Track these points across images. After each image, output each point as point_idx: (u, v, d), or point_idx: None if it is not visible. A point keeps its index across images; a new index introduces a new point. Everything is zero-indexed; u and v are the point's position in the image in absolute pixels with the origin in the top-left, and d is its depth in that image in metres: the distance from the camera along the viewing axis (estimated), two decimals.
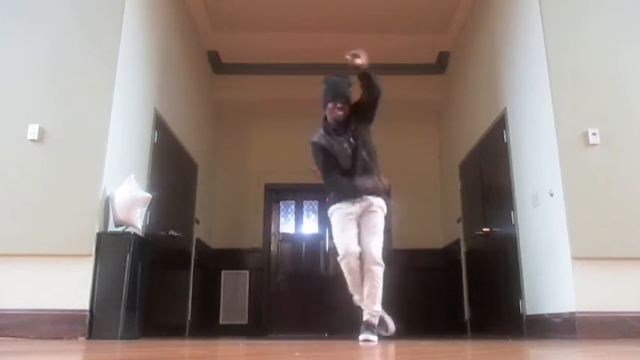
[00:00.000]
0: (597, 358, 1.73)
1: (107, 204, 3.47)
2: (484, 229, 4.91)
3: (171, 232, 4.71)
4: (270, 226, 6.74)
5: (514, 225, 4.29)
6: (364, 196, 3.36)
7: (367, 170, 3.39)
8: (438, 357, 1.85)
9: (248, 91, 6.59)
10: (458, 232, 5.88)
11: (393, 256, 6.55)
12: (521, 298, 4.11)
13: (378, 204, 3.39)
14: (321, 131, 3.47)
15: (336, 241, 3.37)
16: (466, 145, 5.59)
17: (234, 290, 6.31)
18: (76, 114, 3.55)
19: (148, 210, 3.86)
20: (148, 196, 3.60)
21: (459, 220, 5.87)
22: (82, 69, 3.63)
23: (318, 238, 6.63)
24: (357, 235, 3.35)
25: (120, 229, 3.44)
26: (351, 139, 3.39)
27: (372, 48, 6.17)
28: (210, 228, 6.31)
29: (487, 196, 5.08)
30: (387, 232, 3.47)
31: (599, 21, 3.82)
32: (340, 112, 3.38)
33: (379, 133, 7.50)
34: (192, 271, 5.55)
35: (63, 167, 3.45)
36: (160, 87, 4.54)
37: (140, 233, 3.72)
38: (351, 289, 3.30)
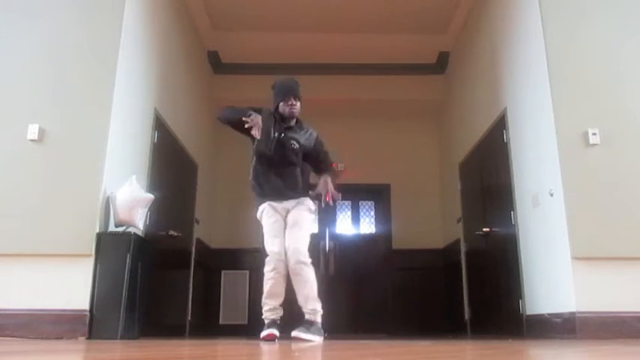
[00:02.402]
0: (597, 358, 1.73)
1: (107, 204, 3.47)
2: (484, 229, 4.91)
3: (171, 232, 4.71)
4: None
5: (514, 225, 4.29)
6: (288, 199, 3.35)
7: (291, 172, 3.36)
8: (438, 357, 1.85)
9: (248, 91, 6.57)
10: (458, 232, 5.88)
11: (393, 256, 6.58)
12: (521, 298, 4.11)
13: (306, 204, 3.39)
14: (270, 111, 3.45)
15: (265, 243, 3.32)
16: (466, 145, 5.60)
17: (234, 290, 6.31)
18: (76, 114, 3.55)
19: (148, 210, 3.86)
20: (151, 197, 3.60)
21: (459, 220, 5.87)
22: (82, 69, 3.63)
23: (318, 238, 6.62)
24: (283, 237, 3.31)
25: (120, 229, 3.44)
26: (284, 135, 3.38)
27: (372, 48, 6.26)
28: (210, 228, 6.31)
29: (487, 196, 5.08)
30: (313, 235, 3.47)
31: (599, 21, 3.82)
32: (294, 110, 3.42)
33: (380, 133, 7.52)
34: (192, 271, 5.55)
35: (63, 167, 3.45)
36: (160, 87, 4.54)
37: (140, 233, 3.72)
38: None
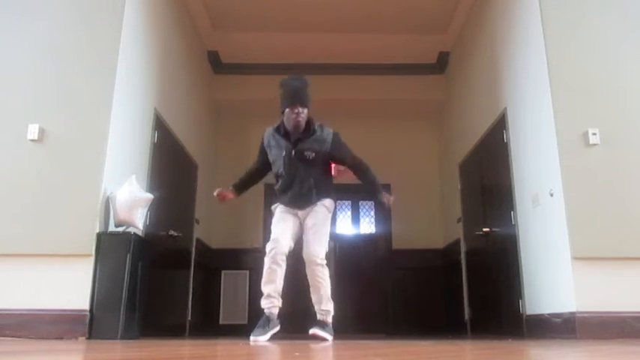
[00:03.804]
0: (597, 358, 1.73)
1: (107, 204, 3.47)
2: (484, 229, 4.91)
3: (172, 232, 4.71)
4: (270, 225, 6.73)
5: (514, 225, 4.29)
6: (304, 208, 3.40)
7: (307, 183, 3.37)
8: (438, 357, 1.85)
9: (248, 91, 6.59)
10: (458, 232, 5.88)
11: (393, 256, 6.58)
12: (521, 298, 4.11)
13: (322, 203, 3.42)
14: (272, 129, 3.48)
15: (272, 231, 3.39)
16: (466, 145, 5.60)
17: (234, 290, 6.31)
18: (76, 114, 3.55)
19: (148, 210, 3.87)
20: (150, 196, 3.60)
21: (459, 220, 5.87)
22: (82, 69, 3.63)
23: None
24: (292, 233, 3.35)
25: (120, 229, 3.44)
26: (295, 150, 3.36)
27: (372, 48, 6.27)
28: (210, 228, 6.31)
29: (487, 196, 5.08)
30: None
31: (599, 21, 3.82)
32: (299, 119, 3.31)
33: (380, 133, 7.53)
34: (192, 271, 5.55)
35: (63, 167, 3.46)
36: (160, 87, 4.54)
37: (140, 233, 3.72)
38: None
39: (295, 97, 3.30)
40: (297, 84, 3.35)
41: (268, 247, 3.29)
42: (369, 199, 6.95)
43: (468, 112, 5.68)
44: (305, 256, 3.31)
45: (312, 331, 3.24)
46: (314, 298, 3.34)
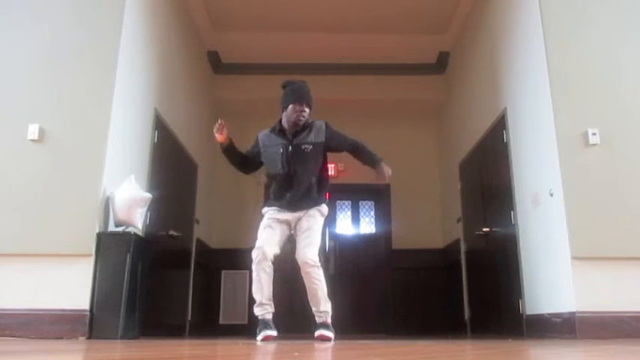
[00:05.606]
0: (597, 358, 1.73)
1: (107, 204, 3.47)
2: (484, 229, 4.91)
3: (172, 232, 4.71)
4: None
5: (514, 225, 4.29)
6: (302, 210, 3.35)
7: (307, 183, 3.34)
8: (438, 357, 1.85)
9: (248, 91, 6.59)
10: (458, 232, 5.88)
11: (393, 256, 6.58)
12: (521, 298, 4.11)
13: (318, 208, 3.39)
14: (266, 131, 3.50)
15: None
16: (466, 145, 5.60)
17: (234, 290, 6.31)
18: (76, 114, 3.55)
19: (148, 210, 3.87)
20: (149, 196, 3.60)
21: (459, 220, 5.87)
22: (82, 69, 3.63)
23: None
24: (278, 240, 3.31)
25: (120, 229, 3.44)
26: (292, 145, 3.36)
27: (372, 48, 6.27)
28: (210, 228, 6.31)
29: (487, 196, 5.08)
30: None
31: (599, 22, 3.82)
32: (301, 117, 3.36)
33: (379, 133, 7.53)
34: (192, 271, 5.56)
35: (63, 167, 3.46)
36: (160, 87, 4.54)
37: (140, 233, 3.72)
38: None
39: (302, 96, 3.37)
40: (303, 85, 3.44)
41: (253, 254, 3.25)
42: (369, 199, 6.96)
43: (467, 112, 5.68)
44: (298, 259, 3.26)
45: (318, 332, 3.23)
46: (312, 300, 3.30)
